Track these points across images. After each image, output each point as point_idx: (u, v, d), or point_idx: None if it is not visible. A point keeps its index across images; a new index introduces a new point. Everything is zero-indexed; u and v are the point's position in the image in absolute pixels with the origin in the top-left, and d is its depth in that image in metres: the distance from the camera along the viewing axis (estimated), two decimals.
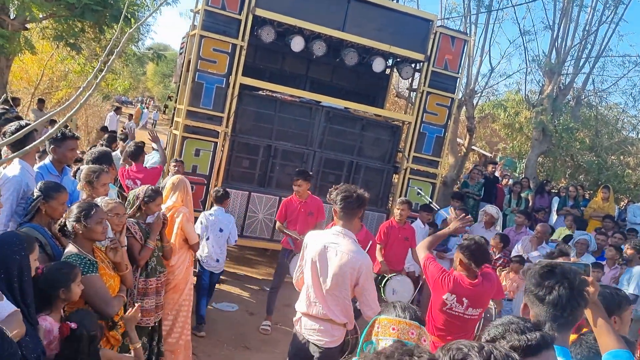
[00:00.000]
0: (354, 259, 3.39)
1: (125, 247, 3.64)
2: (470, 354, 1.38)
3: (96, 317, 2.93)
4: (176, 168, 6.86)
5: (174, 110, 8.95)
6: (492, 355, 1.37)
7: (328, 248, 3.46)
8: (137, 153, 6.44)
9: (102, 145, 7.51)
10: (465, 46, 8.48)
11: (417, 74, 8.53)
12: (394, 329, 2.14)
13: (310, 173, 6.57)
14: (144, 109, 30.10)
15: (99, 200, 3.53)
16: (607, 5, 12.70)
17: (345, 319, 3.50)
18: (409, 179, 8.36)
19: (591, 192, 11.94)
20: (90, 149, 6.66)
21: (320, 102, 8.01)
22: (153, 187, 4.29)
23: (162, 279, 4.18)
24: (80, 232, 3.13)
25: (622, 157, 13.32)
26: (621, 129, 14.69)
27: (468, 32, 11.90)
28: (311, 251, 3.52)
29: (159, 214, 4.18)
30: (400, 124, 8.68)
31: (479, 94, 13.47)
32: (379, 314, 2.26)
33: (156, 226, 4.10)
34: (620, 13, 12.79)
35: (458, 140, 13.63)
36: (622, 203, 12.33)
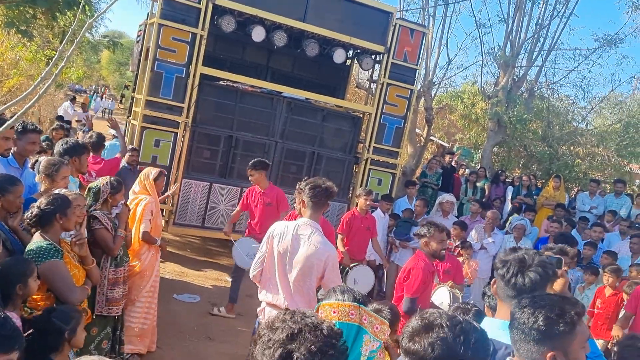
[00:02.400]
0: (321, 250, 3.43)
1: (86, 240, 3.61)
2: (441, 317, 1.59)
3: (72, 311, 2.89)
4: (132, 158, 6.78)
5: (132, 99, 8.79)
6: (459, 325, 1.58)
7: (295, 239, 3.48)
8: (99, 144, 6.34)
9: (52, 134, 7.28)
10: (424, 38, 8.64)
11: (377, 66, 8.64)
12: (334, 312, 2.23)
13: (267, 162, 6.54)
14: (94, 98, 29.28)
15: (57, 192, 3.48)
16: (559, 0, 13.13)
17: (310, 305, 3.55)
18: (370, 169, 8.49)
19: (543, 181, 12.37)
20: (46, 140, 6.48)
21: (282, 92, 8.02)
22: (115, 178, 4.27)
23: (127, 267, 4.24)
24: (60, 222, 3.16)
25: (572, 148, 13.83)
26: (571, 120, 15.24)
27: (426, 24, 12.09)
28: (277, 242, 3.53)
29: (122, 203, 4.24)
30: (361, 115, 8.79)
31: (437, 86, 13.72)
32: (319, 301, 2.34)
33: (124, 215, 4.19)
34: (571, 8, 13.24)
35: (417, 130, 13.86)
36: (572, 192, 12.84)
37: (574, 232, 8.42)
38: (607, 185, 12.54)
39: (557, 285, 2.91)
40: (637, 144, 13.84)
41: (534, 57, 13.43)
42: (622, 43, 13.91)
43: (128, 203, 4.62)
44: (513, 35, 12.98)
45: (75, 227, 3.49)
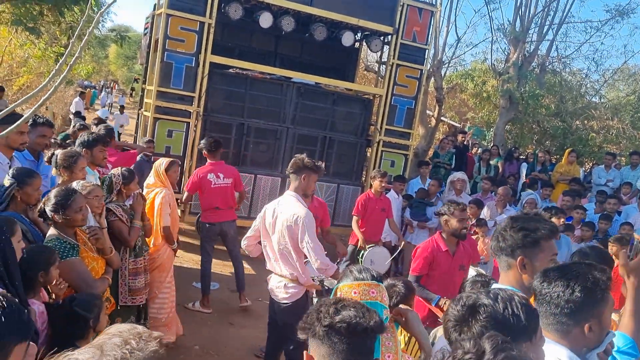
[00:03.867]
0: (289, 211, 3.81)
1: (106, 229, 3.65)
2: (480, 296, 1.50)
3: (93, 298, 2.93)
4: (149, 149, 6.83)
5: (142, 92, 8.82)
6: (499, 296, 1.50)
7: (275, 210, 3.94)
8: (108, 136, 6.36)
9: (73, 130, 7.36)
10: (432, 17, 8.55)
11: (386, 47, 8.58)
12: (355, 292, 2.21)
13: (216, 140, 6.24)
14: (97, 91, 29.45)
15: (75, 184, 3.52)
16: None
17: (295, 273, 3.87)
18: (382, 151, 8.47)
19: (557, 156, 12.26)
20: (58, 135, 6.55)
21: (291, 78, 8.00)
22: (127, 168, 4.31)
23: (147, 257, 4.26)
24: (60, 221, 3.13)
25: (586, 122, 13.68)
26: (584, 94, 15.05)
27: (434, 2, 11.95)
28: (266, 216, 4.00)
29: (136, 193, 4.24)
30: (371, 98, 8.75)
31: (447, 65, 13.61)
32: (338, 282, 2.34)
33: (138, 205, 4.18)
34: None
35: (427, 111, 13.78)
36: (587, 166, 12.72)
37: (590, 205, 8.38)
38: (623, 158, 12.39)
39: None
40: None
41: (544, 31, 13.26)
42: (634, 13, 13.69)
43: (144, 194, 4.67)
44: (523, 10, 12.82)
45: (95, 218, 3.54)
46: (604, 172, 10.22)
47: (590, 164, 12.94)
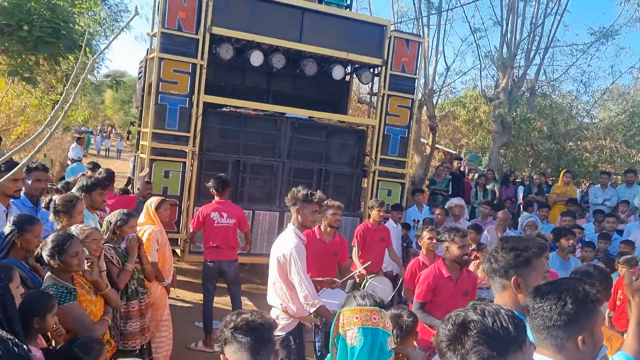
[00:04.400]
0: (282, 244, 3.93)
1: (105, 272, 3.65)
2: (468, 313, 1.54)
3: (92, 341, 2.91)
4: (147, 191, 6.86)
5: (138, 134, 8.92)
6: (485, 311, 1.53)
7: (274, 244, 4.11)
8: (108, 179, 6.43)
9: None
10: (420, 48, 8.73)
11: (376, 78, 8.73)
12: (357, 317, 2.24)
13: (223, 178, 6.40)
14: (91, 136, 29.73)
15: (73, 229, 3.54)
16: None
17: (285, 304, 3.94)
18: (378, 181, 8.52)
19: (553, 178, 12.33)
20: (60, 181, 6.61)
21: (285, 113, 8.12)
22: (125, 210, 4.33)
23: (144, 300, 4.21)
24: (56, 266, 3.14)
25: (579, 142, 13.81)
26: (576, 115, 15.23)
27: (421, 34, 12.22)
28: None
29: (131, 236, 4.22)
30: (365, 128, 8.85)
31: (438, 93, 13.80)
32: (342, 307, 2.35)
33: (132, 249, 4.14)
34: (564, 4, 13.36)
35: (422, 139, 13.91)
36: (584, 186, 12.78)
37: (588, 225, 8.38)
38: (618, 177, 12.45)
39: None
40: None
41: (531, 56, 13.51)
42: (618, 35, 13.98)
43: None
44: (508, 36, 13.08)
45: (94, 261, 3.54)
46: (600, 192, 10.26)
47: (587, 184, 13.00)
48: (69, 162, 14.68)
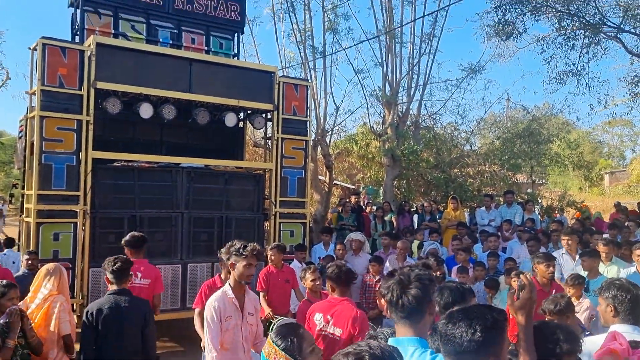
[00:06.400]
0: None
1: None
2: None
3: None
4: (30, 262, 6.42)
5: (22, 197, 8.38)
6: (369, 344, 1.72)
7: None
8: None
9: None
10: (308, 91, 9.10)
11: (269, 123, 8.94)
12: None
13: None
14: None
15: None
16: (423, 39, 14.40)
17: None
18: (280, 223, 8.62)
19: (444, 204, 13.16)
20: None
21: (180, 163, 8.03)
22: (4, 281, 4.08)
23: None
24: None
25: (462, 169, 14.90)
26: (457, 144, 16.45)
27: (309, 77, 12.73)
28: None
29: (13, 309, 3.94)
30: (262, 172, 8.97)
31: (330, 132, 14.33)
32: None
33: (14, 323, 3.86)
34: (435, 45, 14.57)
35: (320, 177, 14.30)
36: (473, 209, 13.72)
37: (478, 246, 9.00)
38: (500, 198, 13.57)
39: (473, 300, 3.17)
40: (517, 156, 15.16)
41: (412, 92, 14.50)
42: (484, 69, 15.47)
43: (40, 303, 4.39)
44: (390, 76, 13.99)
45: None
46: (485, 213, 11.11)
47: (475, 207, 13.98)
48: None
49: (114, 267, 4.57)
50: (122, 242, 5.95)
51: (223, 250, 4.00)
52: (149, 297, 5.70)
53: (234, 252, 3.88)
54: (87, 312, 4.32)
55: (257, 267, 8.10)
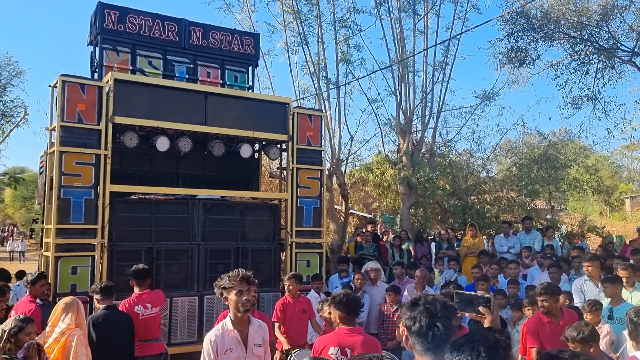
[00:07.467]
0: None
1: None
2: None
3: None
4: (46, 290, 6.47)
5: (42, 231, 8.48)
6: None
7: None
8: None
9: None
10: (322, 121, 9.17)
11: (284, 153, 9.01)
12: None
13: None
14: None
15: None
16: (436, 68, 14.48)
17: None
18: (296, 253, 8.59)
19: (462, 232, 13.01)
20: None
21: (196, 195, 8.10)
22: (22, 316, 4.09)
23: None
24: None
25: (479, 196, 14.76)
26: (473, 171, 16.33)
27: (323, 108, 12.85)
28: None
29: (30, 343, 3.93)
30: (278, 202, 9.00)
31: (345, 162, 14.36)
32: None
33: (31, 357, 3.85)
34: (448, 73, 14.63)
35: (336, 207, 14.27)
36: (485, 236, 13.53)
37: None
38: (519, 225, 13.39)
39: (486, 322, 3.10)
40: (534, 182, 14.99)
41: (426, 120, 14.51)
42: (498, 96, 15.45)
43: (57, 337, 4.41)
44: (403, 105, 14.04)
45: None
46: (504, 240, 10.96)
47: (494, 234, 13.79)
48: None
49: (102, 286, 5.60)
50: (129, 272, 6.13)
51: (215, 290, 3.90)
52: (160, 324, 5.87)
53: (222, 287, 3.81)
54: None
55: (274, 297, 8.12)
